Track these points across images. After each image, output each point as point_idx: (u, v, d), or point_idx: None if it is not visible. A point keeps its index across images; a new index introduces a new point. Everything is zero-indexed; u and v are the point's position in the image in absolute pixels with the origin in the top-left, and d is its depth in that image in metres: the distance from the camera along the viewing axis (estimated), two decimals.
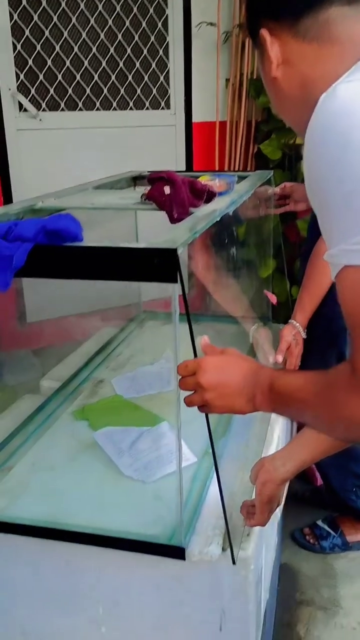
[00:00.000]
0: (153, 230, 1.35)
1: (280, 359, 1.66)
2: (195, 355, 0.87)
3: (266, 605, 1.36)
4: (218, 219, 1.14)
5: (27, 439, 1.37)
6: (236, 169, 3.12)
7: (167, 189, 1.24)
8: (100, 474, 1.24)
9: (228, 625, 1.10)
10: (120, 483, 1.21)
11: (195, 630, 1.12)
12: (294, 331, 1.70)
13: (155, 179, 1.27)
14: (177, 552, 1.01)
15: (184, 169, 3.20)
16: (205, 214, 1.16)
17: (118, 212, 1.69)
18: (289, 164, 3.01)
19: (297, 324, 1.70)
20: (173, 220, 1.22)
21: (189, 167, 3.21)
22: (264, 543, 1.24)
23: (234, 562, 1.01)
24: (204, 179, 1.36)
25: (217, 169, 3.13)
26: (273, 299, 2.00)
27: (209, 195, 1.28)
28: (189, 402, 0.87)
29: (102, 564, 1.11)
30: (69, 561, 1.12)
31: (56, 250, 0.85)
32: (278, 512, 1.60)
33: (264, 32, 0.80)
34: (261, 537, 1.18)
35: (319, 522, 1.93)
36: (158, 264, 0.83)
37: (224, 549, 1.06)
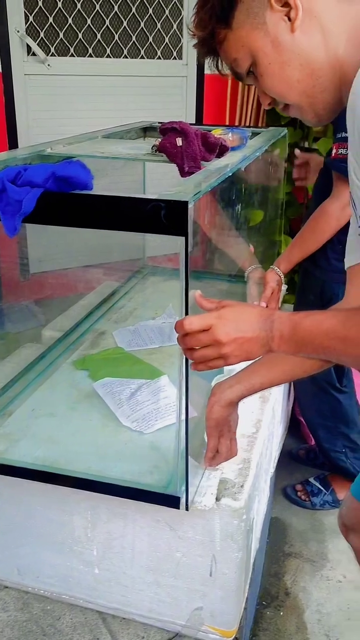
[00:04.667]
0: (161, 182, 1.33)
1: (264, 304, 1.71)
2: (187, 312, 0.87)
3: (256, 555, 1.41)
4: (229, 175, 1.13)
5: (27, 385, 1.39)
6: (247, 124, 3.06)
7: (179, 141, 1.22)
8: (99, 423, 1.26)
9: (218, 571, 1.14)
10: (119, 433, 1.24)
11: (186, 575, 1.16)
12: (277, 278, 1.75)
13: (168, 130, 1.25)
14: (172, 501, 1.04)
15: (193, 121, 3.14)
16: (217, 168, 1.15)
17: (127, 162, 1.67)
18: (301, 122, 2.95)
19: (280, 271, 1.75)
20: (184, 174, 1.21)
21: (199, 120, 3.15)
22: (257, 495, 1.27)
23: (187, 509, 1.04)
24: (217, 133, 1.34)
25: (227, 123, 3.06)
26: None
27: (221, 150, 1.27)
28: (202, 357, 0.85)
29: (98, 509, 1.14)
30: (65, 504, 1.15)
31: (65, 197, 0.84)
32: (271, 468, 1.65)
33: None
34: (254, 489, 1.21)
35: (311, 479, 1.97)
36: (168, 216, 0.82)
37: (217, 499, 1.09)
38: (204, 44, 0.87)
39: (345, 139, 1.13)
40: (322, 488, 1.93)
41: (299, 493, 1.95)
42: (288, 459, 2.09)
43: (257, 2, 0.80)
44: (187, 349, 0.85)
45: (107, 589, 1.22)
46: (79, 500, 1.14)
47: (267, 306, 1.72)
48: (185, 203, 0.81)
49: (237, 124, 3.05)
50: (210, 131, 1.31)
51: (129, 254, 2.34)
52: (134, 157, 1.28)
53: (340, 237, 1.55)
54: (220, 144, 1.23)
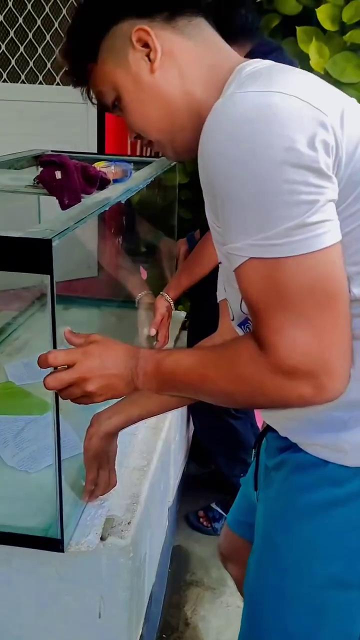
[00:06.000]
0: (56, 213, 1.31)
1: (153, 331, 1.75)
2: (55, 347, 0.85)
3: (152, 589, 1.39)
4: (107, 208, 1.13)
5: None
6: (149, 153, 3.10)
7: (58, 174, 1.21)
8: None
9: (106, 612, 1.11)
10: (3, 474, 1.19)
11: (74, 618, 1.12)
12: (166, 304, 1.77)
13: (47, 162, 1.24)
14: (53, 544, 1.00)
15: (95, 149, 3.14)
16: (96, 202, 1.14)
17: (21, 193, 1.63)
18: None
19: (169, 297, 1.78)
20: (64, 207, 1.20)
21: (101, 147, 3.16)
22: (148, 530, 1.26)
23: (62, 550, 1.02)
24: (100, 165, 1.34)
25: (129, 151, 3.09)
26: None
27: (102, 182, 1.27)
28: (68, 395, 0.84)
29: None
30: None
31: None
32: (169, 498, 1.64)
33: (141, 26, 0.80)
34: (145, 524, 1.19)
35: (213, 505, 1.99)
36: (32, 254, 0.81)
37: (102, 538, 1.07)
38: (72, 74, 0.90)
39: None
40: (223, 513, 1.95)
41: (201, 519, 1.97)
42: (191, 484, 2.10)
43: (120, 41, 0.83)
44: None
45: None
46: None
47: (157, 332, 1.73)
48: (49, 241, 0.80)
49: (138, 153, 3.09)
50: (93, 164, 1.31)
51: (28, 280, 2.29)
52: (14, 190, 1.25)
53: None
54: (100, 176, 1.22)
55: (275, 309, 0.68)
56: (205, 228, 1.82)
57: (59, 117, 2.98)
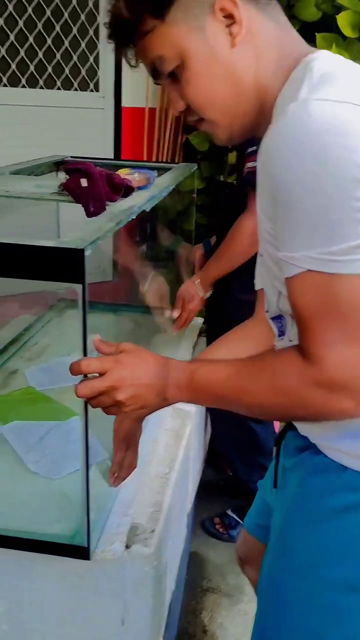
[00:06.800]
0: (76, 222, 1.32)
1: (176, 313, 1.79)
2: (86, 354, 0.86)
3: (172, 596, 1.39)
4: (134, 217, 1.13)
5: None
6: (164, 158, 3.10)
7: (83, 182, 1.21)
8: (6, 471, 1.22)
9: (130, 619, 1.11)
10: (27, 480, 1.19)
11: (98, 625, 1.13)
12: (192, 288, 1.80)
13: (72, 170, 1.24)
14: (79, 552, 1.01)
15: (111, 154, 3.15)
16: (122, 210, 1.15)
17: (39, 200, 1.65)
18: (217, 156, 3.03)
19: (197, 282, 1.80)
20: (89, 214, 1.20)
21: (117, 153, 3.17)
22: (170, 538, 1.26)
23: (88, 558, 1.02)
24: (123, 172, 1.35)
25: (145, 157, 3.10)
26: None
27: (127, 190, 1.27)
28: (98, 404, 0.84)
29: (3, 562, 1.09)
30: None
31: None
32: (187, 505, 1.64)
33: None
34: (166, 532, 1.19)
35: (229, 512, 1.99)
36: (64, 264, 0.81)
37: (127, 547, 1.07)
38: (123, 29, 0.78)
39: (255, 152, 1.15)
40: (239, 520, 1.95)
41: (216, 526, 1.96)
42: (207, 490, 2.10)
43: (198, 4, 0.75)
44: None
45: None
46: None
47: (178, 316, 1.74)
48: (82, 251, 0.81)
49: (154, 158, 3.10)
50: (117, 171, 1.31)
51: (46, 284, 2.29)
52: (39, 197, 1.26)
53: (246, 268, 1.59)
54: (125, 184, 1.23)
55: (327, 323, 0.68)
56: (221, 233, 1.83)
57: (76, 123, 2.99)
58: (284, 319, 0.85)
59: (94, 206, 1.20)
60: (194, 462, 1.67)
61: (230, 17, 0.75)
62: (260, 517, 1.19)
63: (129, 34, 0.78)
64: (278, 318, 0.86)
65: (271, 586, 0.96)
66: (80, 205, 1.22)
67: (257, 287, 1.04)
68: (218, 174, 2.94)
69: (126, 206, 1.17)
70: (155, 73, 0.81)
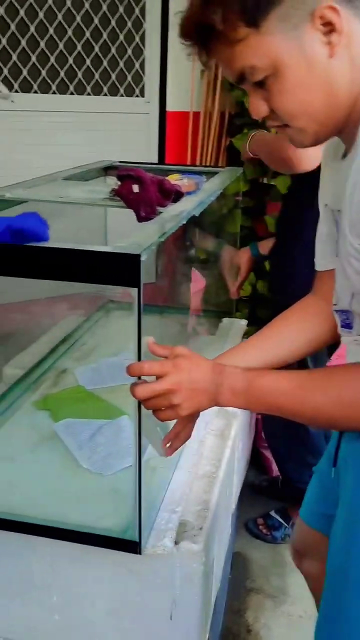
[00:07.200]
0: (123, 226, 1.36)
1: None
2: (140, 357, 0.88)
3: (217, 594, 1.41)
4: (185, 221, 1.16)
5: None
6: (208, 161, 3.13)
7: (135, 188, 1.25)
8: (59, 466, 1.26)
9: (178, 614, 1.14)
10: (79, 475, 1.23)
11: (146, 618, 1.16)
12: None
13: (124, 176, 1.28)
14: (131, 546, 1.04)
15: (156, 158, 3.20)
16: (173, 215, 1.18)
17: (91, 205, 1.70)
18: (260, 160, 3.04)
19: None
20: (140, 219, 1.24)
21: (162, 157, 3.21)
22: (216, 536, 1.28)
23: (139, 552, 1.05)
24: (173, 178, 1.38)
25: (189, 160, 3.14)
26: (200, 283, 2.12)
27: (177, 195, 1.30)
28: (153, 406, 0.86)
29: (56, 554, 1.13)
30: (24, 549, 1.14)
31: (18, 249, 0.86)
32: (232, 505, 1.66)
33: (331, 2, 0.70)
34: (213, 530, 1.22)
35: (272, 513, 1.99)
36: (121, 269, 0.85)
37: (176, 542, 1.10)
38: (208, 35, 0.75)
39: None
40: (282, 522, 1.95)
41: (260, 527, 1.97)
42: (250, 491, 2.11)
43: (298, 12, 0.71)
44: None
45: (68, 636, 1.21)
46: (38, 546, 1.13)
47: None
48: (138, 256, 0.84)
49: (198, 161, 3.13)
50: (166, 176, 1.35)
51: (97, 286, 2.34)
52: (92, 202, 1.30)
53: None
54: (175, 190, 1.26)
55: None
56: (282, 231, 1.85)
57: (121, 128, 3.05)
58: (350, 313, 0.86)
59: (145, 211, 1.24)
60: (238, 462, 1.69)
61: (328, 25, 0.71)
62: (319, 504, 1.18)
63: (216, 42, 0.75)
64: (345, 312, 0.88)
65: (345, 554, 0.92)
66: (132, 210, 1.26)
67: (318, 268, 1.03)
68: (262, 176, 2.95)
69: (176, 211, 1.20)
70: (240, 79, 0.78)
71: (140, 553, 1.04)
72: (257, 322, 2.54)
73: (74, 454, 1.28)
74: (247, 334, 2.11)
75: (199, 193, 1.40)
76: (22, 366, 1.70)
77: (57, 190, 1.41)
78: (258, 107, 0.79)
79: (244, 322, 2.17)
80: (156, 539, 1.08)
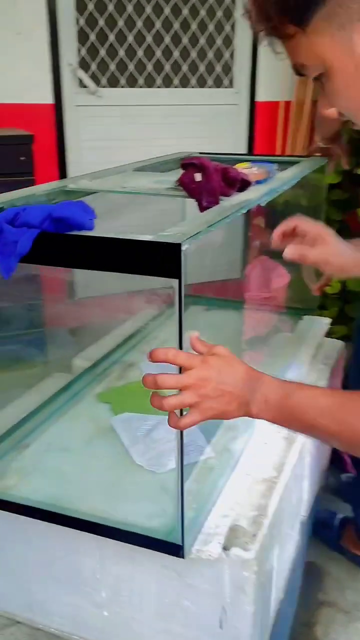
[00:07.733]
0: (187, 217, 1.31)
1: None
2: (181, 349, 0.83)
3: (280, 605, 1.33)
4: (244, 211, 1.09)
5: (49, 417, 1.39)
6: (298, 152, 3.02)
7: (197, 176, 1.20)
8: (112, 460, 1.24)
9: (228, 624, 1.09)
10: (131, 471, 1.21)
11: (195, 624, 1.11)
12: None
13: (187, 165, 1.24)
14: (173, 549, 1.00)
15: (245, 150, 3.13)
16: (233, 204, 1.12)
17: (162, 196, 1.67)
18: (356, 149, 2.88)
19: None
20: (202, 209, 1.19)
21: (250, 148, 3.14)
22: (276, 545, 1.21)
23: (182, 556, 1.00)
24: (241, 166, 1.32)
25: (278, 151, 3.04)
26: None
27: (243, 184, 1.24)
28: (178, 401, 0.80)
29: (106, 550, 1.12)
30: (74, 543, 1.13)
31: (59, 238, 0.83)
32: (301, 512, 1.57)
33: None
34: (273, 538, 1.15)
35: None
36: (161, 258, 0.80)
37: (225, 548, 1.04)
38: (264, 22, 0.75)
39: None
40: None
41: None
42: (323, 493, 2.00)
43: (344, 10, 0.69)
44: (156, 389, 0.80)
45: (116, 633, 1.19)
46: (87, 540, 1.12)
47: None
48: (179, 245, 0.79)
49: (288, 152, 3.02)
50: (234, 165, 1.29)
51: (172, 281, 2.33)
52: (153, 192, 1.27)
53: None
54: (240, 178, 1.20)
55: None
56: None
57: (209, 119, 3.01)
58: None
59: (207, 201, 1.19)
60: (310, 468, 1.60)
61: None
62: None
63: (275, 34, 0.76)
64: None
65: None
66: (195, 199, 1.22)
67: None
68: (356, 168, 2.79)
69: (239, 200, 1.14)
70: (300, 75, 0.80)
71: (183, 557, 1.00)
72: (346, 321, 2.41)
73: (127, 449, 1.25)
74: (332, 333, 1.99)
75: (269, 182, 1.33)
76: (91, 358, 1.71)
77: (122, 181, 1.39)
78: (323, 105, 0.87)
79: (327, 320, 2.05)
80: (202, 543, 1.03)
